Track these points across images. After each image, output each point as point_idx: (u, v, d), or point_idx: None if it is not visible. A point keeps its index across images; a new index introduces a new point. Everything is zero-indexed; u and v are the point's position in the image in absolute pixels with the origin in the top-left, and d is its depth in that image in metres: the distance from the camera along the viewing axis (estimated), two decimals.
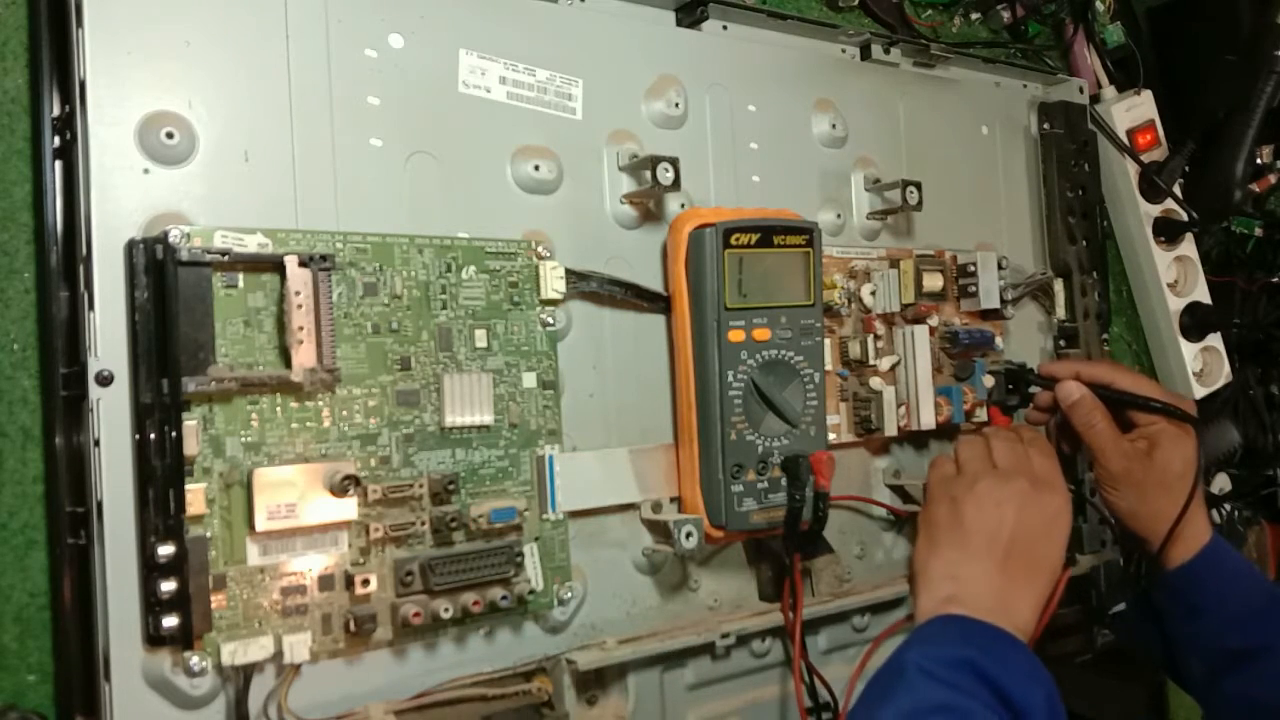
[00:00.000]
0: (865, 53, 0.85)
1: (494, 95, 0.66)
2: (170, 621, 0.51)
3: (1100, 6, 1.03)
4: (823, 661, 0.78)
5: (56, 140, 0.55)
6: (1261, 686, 0.71)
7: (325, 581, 0.57)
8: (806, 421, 0.71)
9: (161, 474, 0.52)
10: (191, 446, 0.53)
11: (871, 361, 0.78)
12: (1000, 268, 0.86)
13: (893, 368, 0.80)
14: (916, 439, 0.84)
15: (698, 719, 0.72)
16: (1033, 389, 0.84)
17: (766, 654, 0.75)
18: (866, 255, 0.81)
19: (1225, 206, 1.04)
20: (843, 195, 0.82)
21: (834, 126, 0.81)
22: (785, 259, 0.70)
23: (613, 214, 0.70)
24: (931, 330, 0.81)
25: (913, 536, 0.74)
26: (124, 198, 0.54)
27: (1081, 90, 1.00)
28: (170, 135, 0.55)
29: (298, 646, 0.54)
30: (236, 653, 0.53)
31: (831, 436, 0.75)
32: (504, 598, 0.61)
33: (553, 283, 0.65)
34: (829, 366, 0.76)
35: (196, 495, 0.53)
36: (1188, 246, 1.05)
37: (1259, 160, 1.07)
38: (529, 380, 0.64)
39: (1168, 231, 1.04)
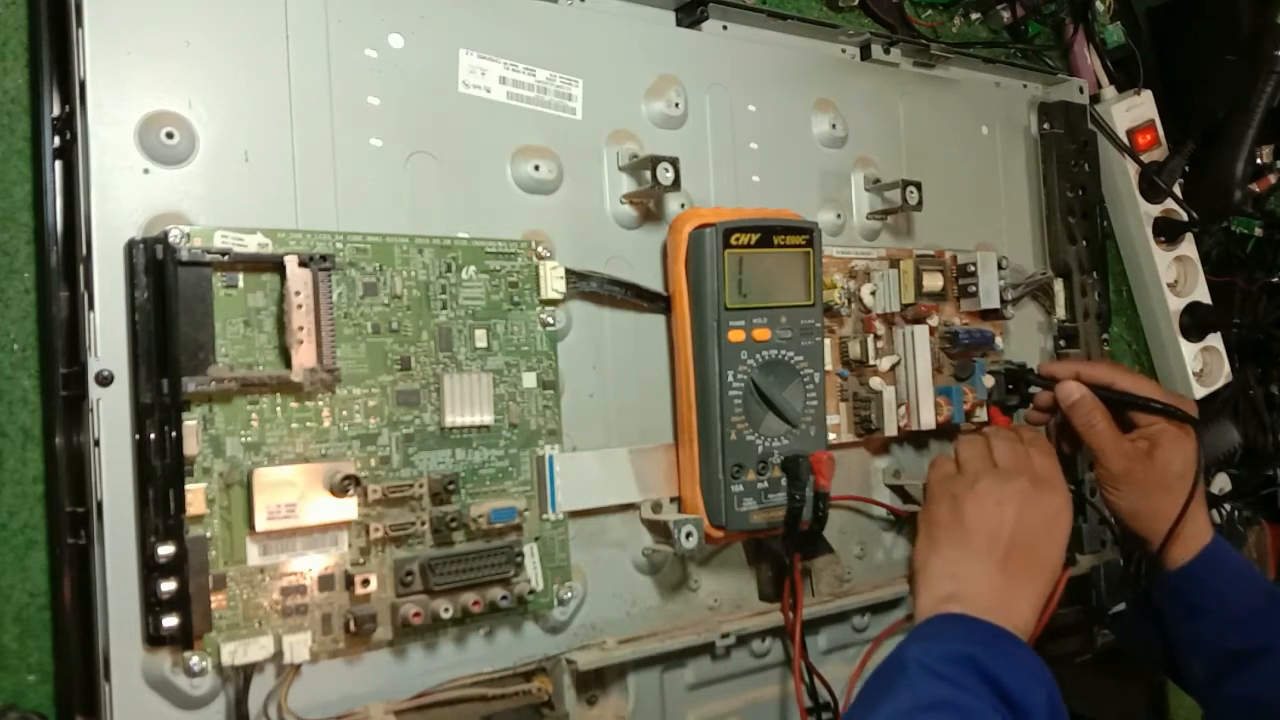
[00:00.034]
0: (865, 53, 0.85)
1: (494, 95, 0.66)
2: (170, 621, 0.51)
3: (1100, 6, 1.03)
4: (823, 661, 0.78)
5: (56, 140, 0.55)
6: (1262, 687, 0.71)
7: (325, 581, 0.57)
8: (806, 421, 0.71)
9: (161, 474, 0.52)
10: (191, 446, 0.53)
11: (871, 361, 0.78)
12: (1000, 268, 0.86)
13: (893, 368, 0.80)
14: (916, 439, 0.84)
15: (698, 719, 0.72)
16: (1033, 389, 0.84)
17: (766, 654, 0.75)
18: (866, 255, 0.81)
19: (1225, 206, 1.04)
20: (843, 195, 0.82)
21: (834, 126, 0.81)
22: (785, 259, 0.70)
23: (613, 214, 0.70)
24: (931, 330, 0.81)
25: (913, 536, 0.74)
26: (124, 198, 0.54)
27: (1081, 90, 0.99)
28: (170, 135, 0.55)
29: (298, 646, 0.54)
30: (236, 653, 0.53)
31: (831, 436, 0.75)
32: (504, 598, 0.61)
33: (553, 283, 0.65)
34: (829, 366, 0.76)
35: (196, 495, 0.53)
36: (1188, 246, 1.05)
37: (1259, 160, 1.07)
38: (529, 380, 0.64)
39: (1168, 231, 1.04)
